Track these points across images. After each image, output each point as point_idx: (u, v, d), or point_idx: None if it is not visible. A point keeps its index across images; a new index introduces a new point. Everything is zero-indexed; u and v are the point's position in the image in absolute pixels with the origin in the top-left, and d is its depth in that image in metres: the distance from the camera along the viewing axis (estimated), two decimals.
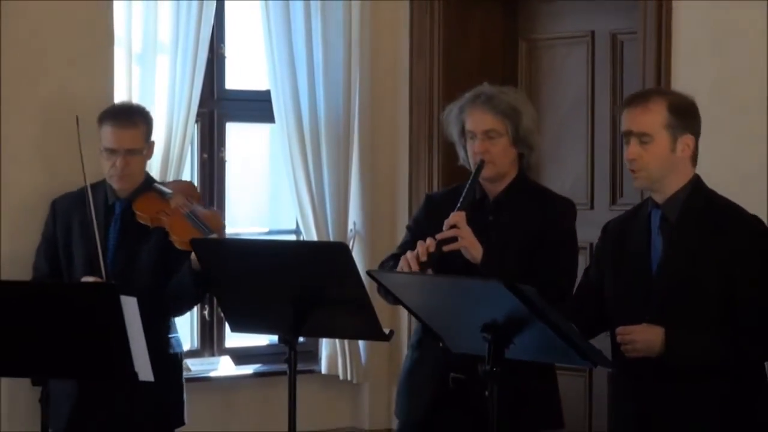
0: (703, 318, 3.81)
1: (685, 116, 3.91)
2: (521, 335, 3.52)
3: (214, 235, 4.66)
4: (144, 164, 4.92)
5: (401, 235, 4.51)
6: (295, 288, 3.91)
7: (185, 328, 6.08)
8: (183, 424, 4.94)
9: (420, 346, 4.37)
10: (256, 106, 6.27)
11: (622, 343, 3.85)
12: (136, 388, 4.28)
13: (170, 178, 5.60)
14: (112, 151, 4.79)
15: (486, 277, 3.76)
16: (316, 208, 6.12)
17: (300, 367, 4.08)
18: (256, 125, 6.48)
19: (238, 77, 6.29)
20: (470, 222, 4.16)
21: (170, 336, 4.86)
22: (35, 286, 4.44)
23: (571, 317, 3.67)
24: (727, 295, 3.80)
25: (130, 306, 3.95)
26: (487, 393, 3.54)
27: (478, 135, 4.28)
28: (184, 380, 4.97)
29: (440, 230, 4.14)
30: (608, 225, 4.14)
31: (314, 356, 6.32)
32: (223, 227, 4.85)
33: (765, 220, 4.03)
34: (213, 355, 6.14)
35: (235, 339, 6.17)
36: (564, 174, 6.17)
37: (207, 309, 6.09)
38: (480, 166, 4.25)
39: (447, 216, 4.17)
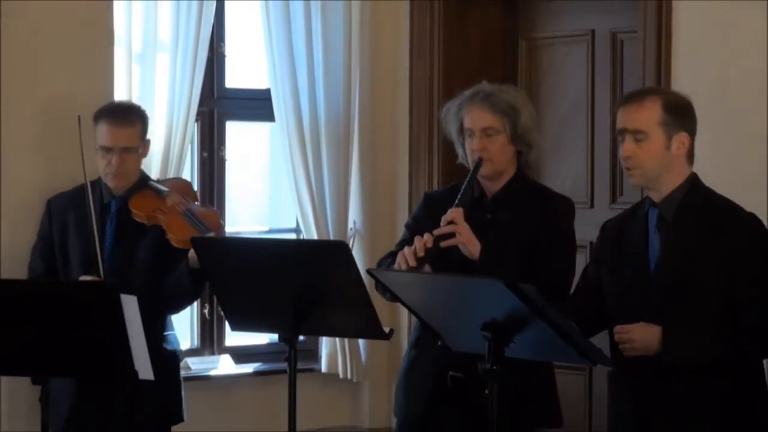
0: (701, 317, 3.81)
1: (680, 114, 3.91)
2: (521, 334, 3.52)
3: (212, 233, 4.66)
4: (139, 162, 4.92)
5: (401, 234, 4.51)
6: (295, 287, 3.91)
7: (185, 327, 6.09)
8: (182, 420, 4.94)
9: (418, 344, 4.37)
10: (256, 105, 6.27)
11: (619, 342, 3.85)
12: (134, 387, 4.28)
13: (170, 176, 5.60)
14: (107, 149, 4.79)
15: (486, 276, 3.76)
16: (316, 207, 6.13)
17: (300, 365, 4.08)
18: (256, 124, 6.48)
19: (238, 76, 6.29)
20: (468, 220, 4.17)
21: (167, 333, 4.86)
22: (35, 284, 4.44)
23: (571, 316, 3.67)
24: (726, 294, 3.80)
25: (130, 304, 3.95)
26: (486, 391, 3.54)
27: (477, 132, 4.28)
28: (181, 377, 4.98)
29: (438, 227, 4.15)
30: (606, 224, 4.14)
31: (314, 355, 6.33)
32: (221, 226, 4.85)
33: (765, 220, 4.03)
34: (213, 353, 6.14)
35: (235, 338, 6.17)
36: (564, 173, 6.17)
37: (207, 308, 6.10)
38: (478, 164, 4.25)
39: (445, 213, 4.17)
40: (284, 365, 3.96)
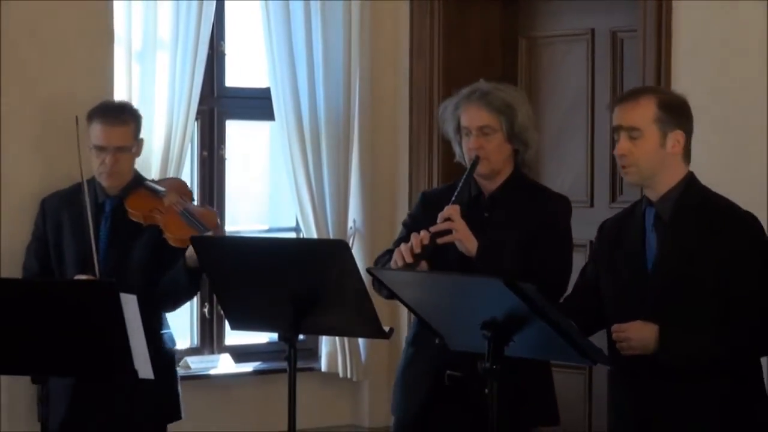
0: (699, 316, 3.81)
1: (676, 112, 3.91)
2: (521, 333, 3.52)
3: (210, 233, 4.67)
4: (133, 162, 4.92)
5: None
6: (294, 286, 3.91)
7: (185, 326, 6.10)
8: (180, 418, 4.95)
9: (415, 342, 4.38)
10: (256, 104, 6.28)
11: (617, 341, 3.85)
12: (131, 385, 4.29)
13: (170, 175, 5.60)
14: (101, 149, 4.80)
15: (486, 275, 3.76)
16: (316, 206, 6.13)
17: (300, 364, 4.08)
18: (256, 123, 6.48)
19: (238, 75, 6.29)
20: (466, 218, 4.17)
21: (163, 332, 4.86)
22: (35, 284, 4.43)
23: (569, 316, 3.67)
24: (723, 293, 3.80)
25: (129, 304, 3.95)
26: (486, 390, 3.55)
27: (473, 131, 4.29)
28: (178, 375, 4.98)
29: (435, 225, 4.15)
30: (605, 224, 4.14)
31: (314, 354, 6.33)
32: (219, 225, 4.84)
33: (765, 219, 4.03)
34: (213, 352, 6.15)
35: (234, 337, 6.17)
36: (564, 172, 6.17)
37: (207, 307, 6.10)
38: (475, 162, 4.26)
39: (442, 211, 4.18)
40: (284, 364, 3.97)
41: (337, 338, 6.17)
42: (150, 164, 5.61)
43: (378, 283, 3.99)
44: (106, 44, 5.49)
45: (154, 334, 4.76)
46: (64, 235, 4.88)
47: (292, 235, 6.41)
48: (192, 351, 6.10)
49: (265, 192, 6.74)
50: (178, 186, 5.00)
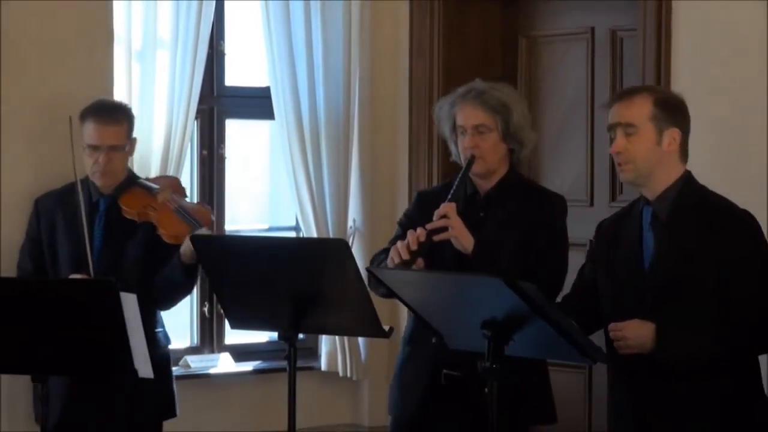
0: (696, 315, 3.81)
1: (671, 110, 3.91)
2: (521, 332, 3.52)
3: (204, 229, 4.67)
4: (126, 160, 4.93)
5: None
6: (294, 285, 3.91)
7: (185, 325, 6.10)
8: (175, 415, 4.95)
9: (412, 341, 4.38)
10: (255, 103, 6.28)
11: (614, 340, 3.86)
12: (127, 384, 4.29)
13: (170, 174, 5.60)
14: (94, 148, 4.81)
15: (486, 274, 3.76)
16: (316, 205, 6.13)
17: (300, 363, 4.08)
18: (255, 122, 6.48)
19: (237, 74, 6.29)
20: (461, 218, 4.18)
21: (157, 330, 4.86)
22: (36, 283, 4.43)
23: (568, 315, 3.67)
24: (721, 292, 3.79)
25: (129, 303, 3.95)
26: (486, 390, 3.55)
27: (468, 130, 4.29)
28: (173, 373, 4.99)
29: (431, 223, 4.16)
30: (602, 224, 4.14)
31: (314, 353, 6.33)
32: (212, 221, 4.87)
33: (765, 219, 4.03)
34: (213, 351, 6.15)
35: (234, 336, 6.17)
36: (564, 171, 6.17)
37: (207, 306, 6.10)
38: (470, 161, 4.26)
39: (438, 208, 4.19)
40: (284, 363, 3.97)
41: (337, 337, 6.18)
42: (150, 163, 5.61)
43: (375, 282, 4.00)
44: (105, 44, 5.49)
45: (149, 333, 4.76)
46: (58, 235, 4.89)
47: (292, 234, 6.41)
48: (192, 350, 6.10)
49: (265, 191, 6.74)
50: (171, 183, 5.02)
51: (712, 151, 5.01)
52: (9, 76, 5.24)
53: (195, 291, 6.01)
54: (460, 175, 4.26)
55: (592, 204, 6.07)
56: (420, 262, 4.11)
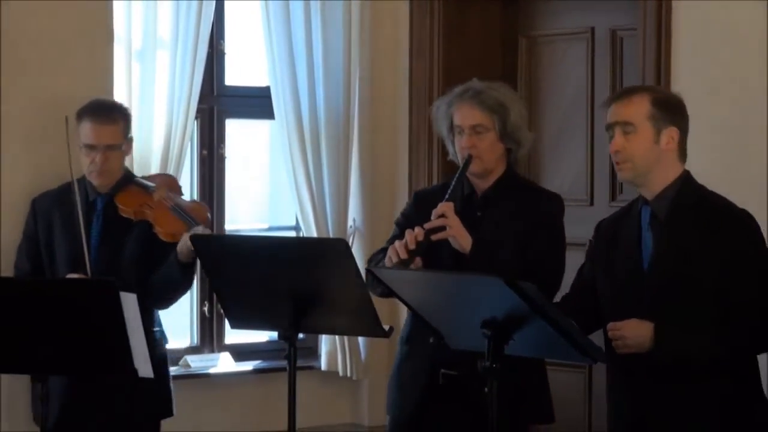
0: (695, 315, 3.80)
1: (669, 110, 3.91)
2: (521, 332, 3.52)
3: (200, 227, 4.68)
4: (123, 160, 4.94)
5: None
6: (294, 285, 3.91)
7: (185, 325, 6.10)
8: (171, 414, 4.95)
9: (409, 340, 4.38)
10: (255, 103, 6.28)
11: (612, 339, 3.86)
12: (124, 383, 4.29)
13: (170, 173, 5.60)
14: (91, 147, 4.82)
15: (486, 274, 3.77)
16: (316, 205, 6.13)
17: (300, 363, 4.09)
18: (255, 122, 6.48)
19: (237, 73, 6.29)
20: (459, 217, 4.18)
21: (154, 329, 4.86)
22: (36, 283, 4.44)
23: (567, 315, 3.67)
24: (719, 291, 3.80)
25: (129, 302, 3.96)
26: (486, 389, 3.55)
27: (466, 130, 4.30)
28: (170, 372, 4.99)
29: (429, 222, 4.16)
30: (601, 224, 4.14)
31: (314, 352, 6.33)
32: (209, 219, 4.88)
33: (765, 219, 4.03)
34: (213, 351, 6.15)
35: (234, 335, 6.17)
36: (564, 170, 6.17)
37: (207, 305, 6.10)
38: (468, 161, 4.27)
39: (436, 208, 4.19)
40: (284, 363, 3.97)
41: (336, 337, 6.18)
42: (150, 163, 5.61)
43: (372, 281, 4.00)
44: (105, 44, 5.49)
45: (146, 332, 4.76)
46: (56, 235, 4.89)
47: (292, 234, 6.41)
48: (192, 350, 6.10)
49: (265, 191, 6.74)
50: (167, 181, 5.03)
51: (712, 151, 5.01)
52: (9, 76, 5.24)
53: (195, 291, 6.04)
54: (457, 175, 4.27)
55: (592, 204, 6.07)
56: (418, 261, 4.11)
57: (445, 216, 4.16)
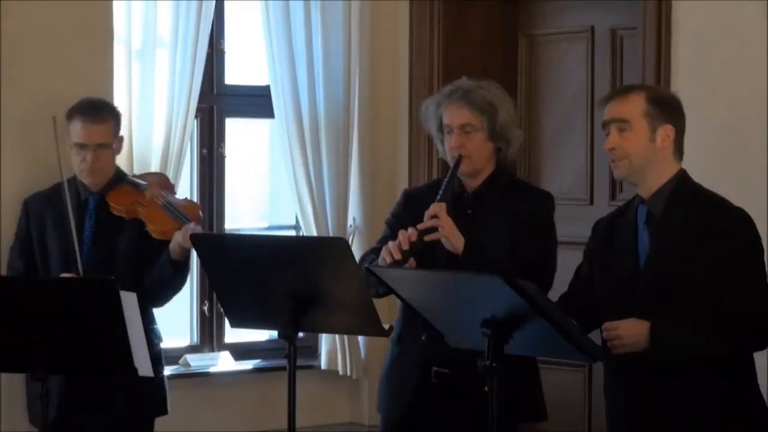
0: (691, 313, 3.80)
1: (665, 107, 3.91)
2: (521, 330, 3.52)
3: (192, 224, 4.69)
4: (113, 158, 4.95)
5: None
6: (294, 284, 3.91)
7: (185, 324, 6.10)
8: (166, 413, 4.96)
9: (401, 340, 4.37)
10: (255, 102, 6.28)
11: (608, 339, 3.86)
12: (122, 382, 4.29)
13: (170, 173, 5.61)
14: (82, 146, 4.83)
15: (486, 273, 3.77)
16: (316, 204, 6.13)
17: (300, 362, 4.08)
18: (255, 121, 6.48)
19: (237, 72, 6.29)
20: (450, 216, 4.18)
21: (152, 327, 4.86)
22: (36, 282, 4.44)
23: (567, 314, 3.67)
24: (715, 289, 3.80)
25: (129, 301, 3.96)
26: (486, 388, 3.55)
27: (455, 129, 4.30)
28: (164, 370, 4.99)
29: (420, 223, 4.16)
30: (599, 223, 4.14)
31: (314, 352, 6.33)
32: (201, 217, 4.88)
33: (765, 219, 4.03)
34: (213, 350, 6.15)
35: (234, 334, 6.17)
36: (563, 170, 6.17)
37: (207, 305, 6.10)
38: (458, 161, 4.26)
39: (427, 210, 4.18)
40: (284, 362, 3.96)
41: (336, 336, 6.18)
42: (150, 162, 5.61)
43: (372, 279, 3.99)
44: (105, 44, 5.49)
45: (144, 330, 4.77)
46: (48, 235, 4.90)
47: (292, 233, 6.41)
48: (192, 349, 6.10)
49: (264, 190, 6.75)
50: (159, 179, 5.05)
51: (712, 151, 5.01)
52: (9, 76, 5.25)
53: (195, 290, 6.04)
54: (448, 176, 4.26)
55: (591, 203, 6.07)
56: (412, 262, 4.10)
57: (438, 217, 4.16)
